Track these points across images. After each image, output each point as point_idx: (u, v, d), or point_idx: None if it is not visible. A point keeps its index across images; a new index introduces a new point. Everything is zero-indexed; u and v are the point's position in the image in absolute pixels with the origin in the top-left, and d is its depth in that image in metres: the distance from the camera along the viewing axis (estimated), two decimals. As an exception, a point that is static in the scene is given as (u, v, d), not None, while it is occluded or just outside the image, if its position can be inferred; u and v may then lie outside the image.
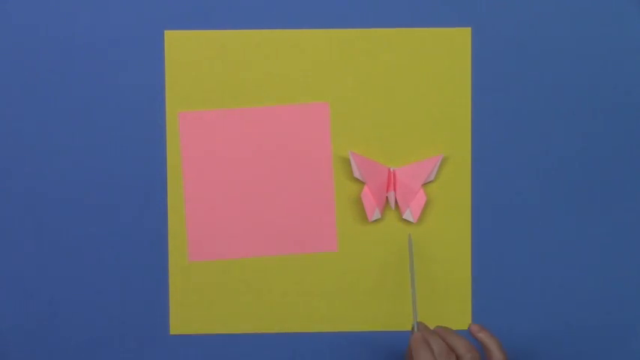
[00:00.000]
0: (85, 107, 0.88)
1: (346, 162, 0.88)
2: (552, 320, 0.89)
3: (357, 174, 0.87)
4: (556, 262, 0.89)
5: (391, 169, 0.88)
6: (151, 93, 0.88)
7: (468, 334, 0.81)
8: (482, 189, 0.89)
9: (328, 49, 0.88)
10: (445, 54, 0.88)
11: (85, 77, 0.88)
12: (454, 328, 0.82)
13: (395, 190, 0.88)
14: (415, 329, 0.81)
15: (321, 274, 0.89)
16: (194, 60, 0.88)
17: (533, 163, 0.89)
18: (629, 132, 0.89)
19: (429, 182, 0.88)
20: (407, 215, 0.88)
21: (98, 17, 0.87)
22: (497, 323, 0.88)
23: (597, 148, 0.89)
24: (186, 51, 0.88)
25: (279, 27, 0.88)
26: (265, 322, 0.89)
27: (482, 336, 0.79)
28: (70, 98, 0.88)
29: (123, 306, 0.88)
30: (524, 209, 0.89)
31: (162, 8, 0.88)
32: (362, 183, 0.88)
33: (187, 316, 0.89)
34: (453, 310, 0.89)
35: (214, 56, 0.88)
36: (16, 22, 0.87)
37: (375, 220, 0.88)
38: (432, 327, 0.83)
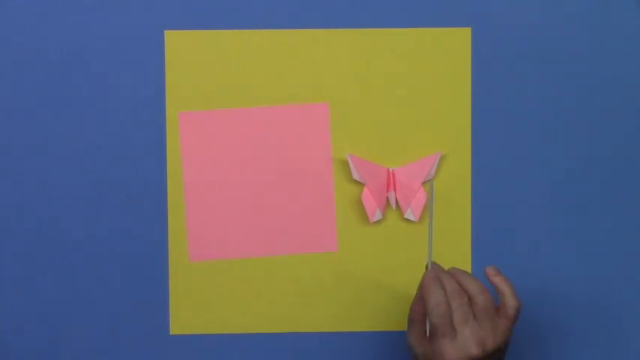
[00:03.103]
0: (84, 107, 0.88)
1: (346, 162, 0.88)
2: (552, 319, 0.90)
3: (356, 176, 0.87)
4: (556, 260, 0.89)
5: (390, 169, 0.88)
6: (151, 93, 0.88)
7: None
8: (483, 189, 0.89)
9: (328, 49, 0.88)
10: (445, 54, 0.88)
11: (85, 77, 0.87)
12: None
13: (395, 190, 0.88)
14: (429, 268, 0.79)
15: (321, 274, 0.89)
16: (194, 60, 0.88)
17: (533, 162, 0.89)
18: (629, 131, 0.89)
19: (429, 180, 0.88)
20: (408, 215, 0.88)
21: (98, 17, 0.87)
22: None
23: (597, 147, 0.89)
24: (186, 51, 0.88)
25: (279, 27, 0.88)
26: (265, 322, 0.89)
27: (498, 280, 0.77)
28: (69, 98, 0.87)
29: (123, 306, 0.88)
30: (524, 206, 0.89)
31: (162, 8, 0.87)
32: (362, 183, 0.88)
33: (187, 316, 0.89)
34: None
35: (214, 56, 0.88)
36: (16, 23, 0.87)
37: (377, 221, 0.88)
38: None
